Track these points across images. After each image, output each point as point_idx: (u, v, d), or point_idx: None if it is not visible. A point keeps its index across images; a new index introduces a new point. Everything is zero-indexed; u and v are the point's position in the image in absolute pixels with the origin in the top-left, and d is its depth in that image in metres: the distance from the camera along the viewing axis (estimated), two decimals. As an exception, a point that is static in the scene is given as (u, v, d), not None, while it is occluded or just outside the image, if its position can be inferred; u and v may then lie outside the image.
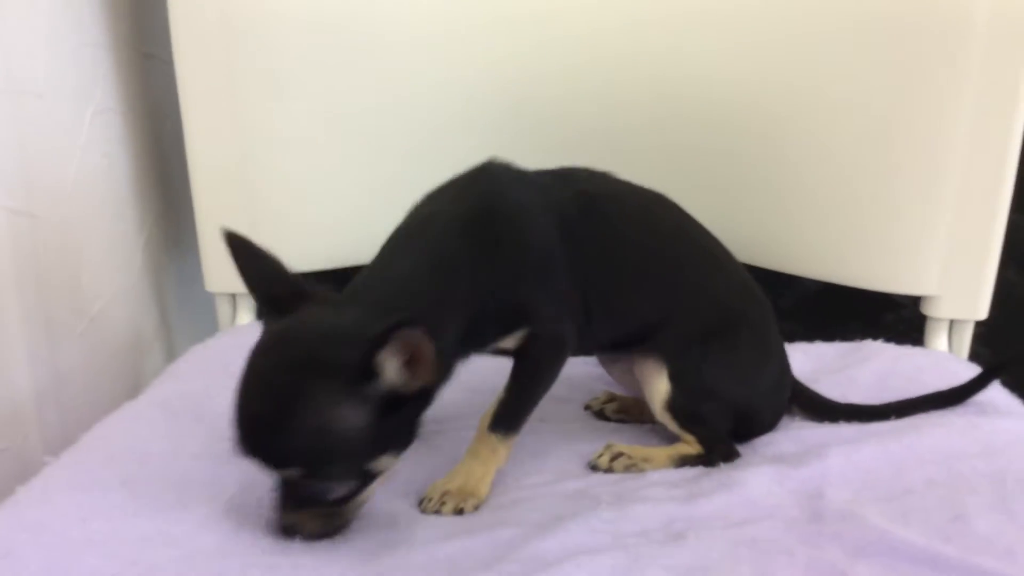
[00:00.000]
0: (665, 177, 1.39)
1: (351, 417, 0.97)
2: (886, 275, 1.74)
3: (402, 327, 0.94)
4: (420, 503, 1.17)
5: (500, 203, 1.20)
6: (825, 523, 1.12)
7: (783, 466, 1.25)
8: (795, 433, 1.38)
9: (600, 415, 1.50)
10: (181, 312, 1.98)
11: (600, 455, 1.30)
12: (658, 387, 1.30)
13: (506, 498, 1.21)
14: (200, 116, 1.68)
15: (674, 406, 1.29)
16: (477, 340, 1.17)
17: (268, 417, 0.97)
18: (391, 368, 0.97)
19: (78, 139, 1.57)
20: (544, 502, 1.19)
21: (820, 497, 1.18)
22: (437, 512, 1.15)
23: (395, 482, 1.17)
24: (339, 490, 1.03)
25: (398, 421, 1.02)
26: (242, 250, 1.07)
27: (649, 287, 1.30)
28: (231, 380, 1.02)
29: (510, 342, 1.20)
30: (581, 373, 1.57)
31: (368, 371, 0.96)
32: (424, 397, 1.04)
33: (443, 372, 1.08)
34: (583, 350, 1.36)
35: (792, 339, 1.60)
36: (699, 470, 1.28)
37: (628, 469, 1.29)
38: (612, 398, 1.51)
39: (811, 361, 1.62)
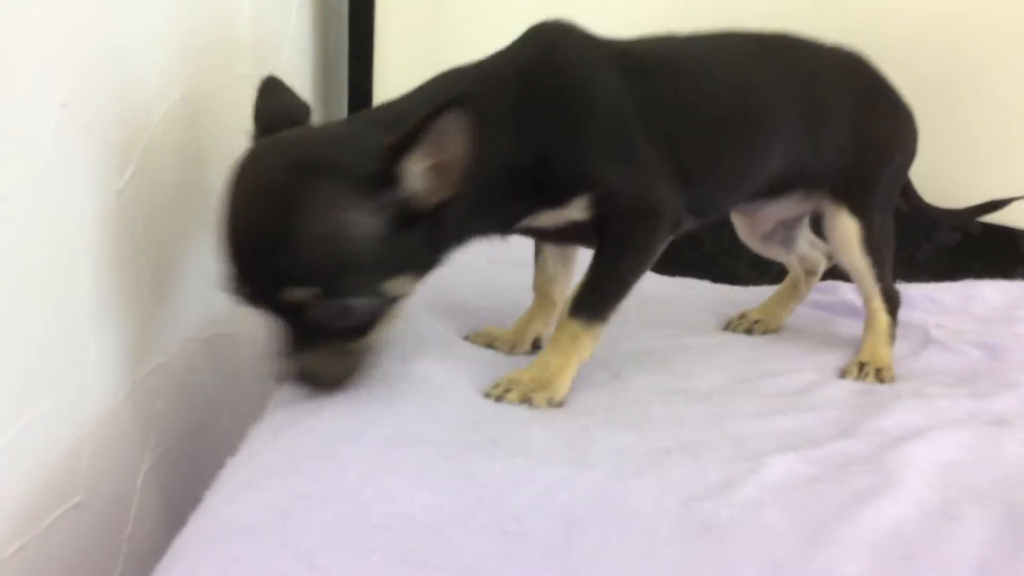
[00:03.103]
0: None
1: (365, 224, 0.87)
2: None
3: (445, 111, 0.84)
4: (486, 389, 1.03)
5: (559, 55, 1.08)
6: None
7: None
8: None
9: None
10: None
11: (852, 368, 1.29)
12: (848, 229, 1.30)
13: (787, 385, 1.20)
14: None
15: (866, 242, 1.31)
16: (516, 204, 1.05)
17: (271, 227, 0.84)
18: (415, 173, 0.88)
19: (288, 27, 1.51)
20: (832, 394, 1.18)
21: None
22: (498, 399, 1.00)
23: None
24: (357, 311, 0.90)
25: (414, 240, 0.91)
26: (268, 87, 1.02)
27: (759, 140, 1.21)
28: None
29: (575, 212, 1.06)
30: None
31: (386, 176, 0.87)
32: (440, 220, 0.92)
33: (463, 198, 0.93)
34: (702, 212, 1.22)
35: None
36: (967, 372, 1.30)
37: (879, 375, 1.28)
38: (744, 315, 1.51)
39: (1003, 294, 1.67)
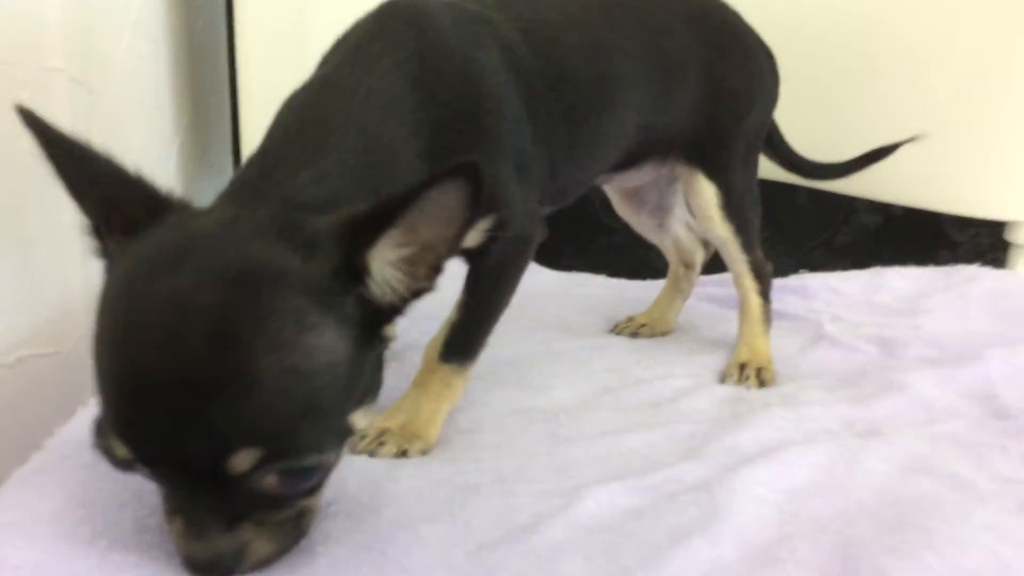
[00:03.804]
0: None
1: (332, 348, 0.64)
2: (976, 200, 1.68)
3: (444, 181, 0.62)
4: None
5: (445, 53, 0.90)
6: (1013, 420, 1.04)
7: (941, 369, 1.18)
8: (937, 340, 1.30)
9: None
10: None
11: (731, 370, 1.20)
12: (705, 193, 1.19)
13: (651, 395, 1.10)
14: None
15: (726, 207, 1.20)
16: None
17: (210, 368, 0.59)
18: (386, 262, 0.66)
19: (128, 13, 1.39)
20: (697, 403, 1.09)
21: (994, 397, 1.11)
22: (371, 454, 0.89)
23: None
24: (319, 469, 0.67)
25: (375, 352, 0.71)
26: (59, 144, 0.69)
27: (630, 99, 1.09)
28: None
29: (471, 238, 0.88)
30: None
31: (348, 271, 0.65)
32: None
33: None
34: (561, 199, 1.11)
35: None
36: (854, 372, 1.20)
37: (760, 375, 1.18)
38: (631, 319, 1.42)
39: (912, 283, 1.57)
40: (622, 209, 1.39)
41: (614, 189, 1.37)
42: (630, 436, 0.96)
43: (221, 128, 1.79)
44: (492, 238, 0.91)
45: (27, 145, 1.11)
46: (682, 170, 1.20)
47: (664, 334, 1.39)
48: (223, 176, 1.65)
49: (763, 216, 1.55)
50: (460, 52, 0.92)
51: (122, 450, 0.62)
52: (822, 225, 1.96)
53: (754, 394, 1.13)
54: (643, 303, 1.44)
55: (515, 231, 0.94)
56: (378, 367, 0.72)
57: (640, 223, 1.39)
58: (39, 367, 1.15)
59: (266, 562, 0.67)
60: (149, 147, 1.52)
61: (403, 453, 0.90)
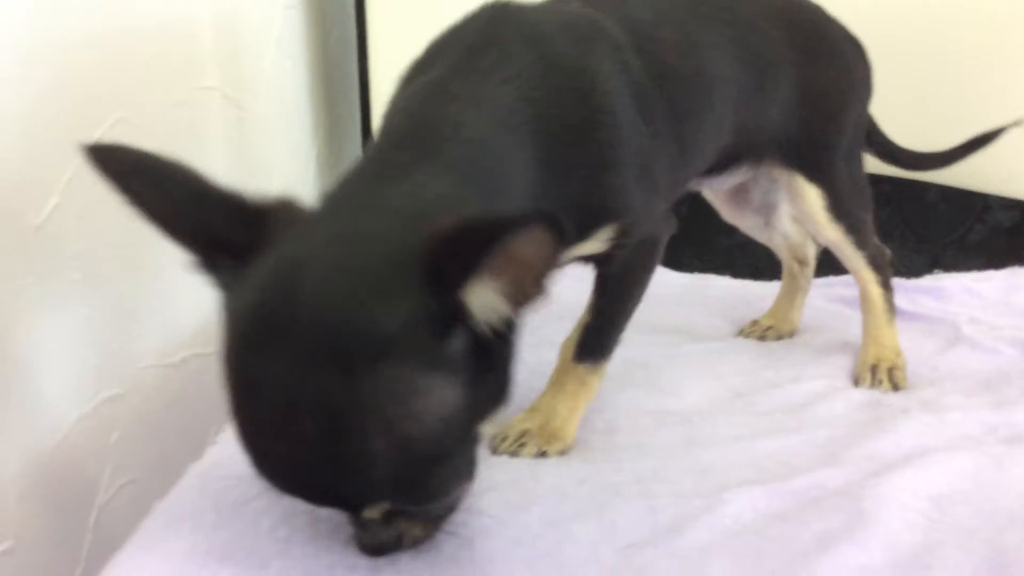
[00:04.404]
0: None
1: (443, 403, 0.64)
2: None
3: (523, 227, 0.58)
4: (492, 441, 0.94)
5: (557, 66, 0.88)
6: None
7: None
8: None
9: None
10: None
11: (863, 373, 1.17)
12: (808, 196, 1.15)
13: (785, 399, 1.10)
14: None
15: (833, 209, 1.16)
16: None
17: (319, 449, 0.62)
18: (486, 299, 0.64)
19: (271, 32, 1.47)
20: (833, 408, 1.08)
21: None
22: (512, 454, 0.93)
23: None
24: (449, 501, 0.73)
25: (492, 376, 0.69)
26: (135, 178, 0.67)
27: (725, 98, 1.06)
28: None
29: (593, 246, 0.91)
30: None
31: (448, 314, 0.63)
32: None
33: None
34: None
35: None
36: (995, 376, 1.17)
37: (892, 376, 1.17)
38: (756, 322, 1.40)
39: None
40: (726, 211, 1.38)
41: (714, 193, 1.36)
42: (767, 440, 0.97)
43: (353, 136, 1.87)
44: (619, 245, 0.92)
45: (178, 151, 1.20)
46: (781, 173, 1.18)
47: (790, 334, 1.38)
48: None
49: (892, 215, 1.52)
50: (572, 63, 0.90)
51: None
52: (954, 223, 1.90)
53: (892, 398, 1.11)
54: (766, 303, 1.44)
55: (640, 235, 0.95)
56: (504, 372, 0.71)
57: (746, 224, 1.38)
58: (202, 366, 1.23)
59: (421, 542, 0.74)
60: (291, 158, 1.61)
61: (543, 454, 0.93)
